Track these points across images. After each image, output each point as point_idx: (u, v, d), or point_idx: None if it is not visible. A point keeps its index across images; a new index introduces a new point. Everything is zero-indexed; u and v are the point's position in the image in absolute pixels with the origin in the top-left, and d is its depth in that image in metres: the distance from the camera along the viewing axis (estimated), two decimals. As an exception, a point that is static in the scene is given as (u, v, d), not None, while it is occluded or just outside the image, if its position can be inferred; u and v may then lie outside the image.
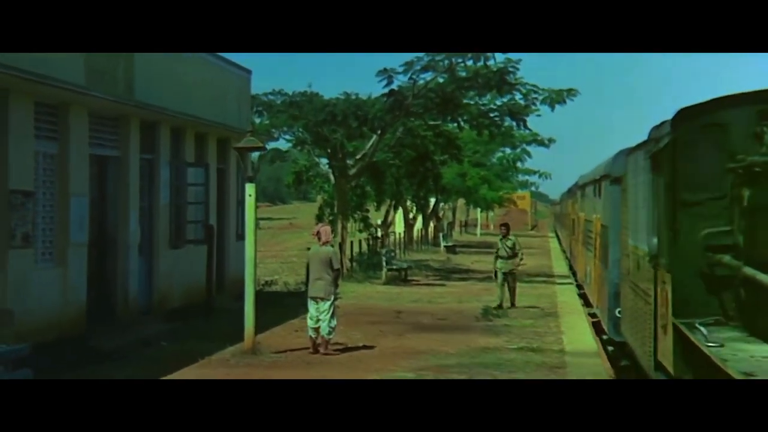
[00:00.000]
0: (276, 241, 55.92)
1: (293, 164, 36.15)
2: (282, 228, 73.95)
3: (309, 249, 17.13)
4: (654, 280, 9.82)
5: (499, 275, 22.63)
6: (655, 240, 9.87)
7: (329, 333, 15.85)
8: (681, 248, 8.73)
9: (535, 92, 28.07)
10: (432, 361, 15.18)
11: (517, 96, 28.30)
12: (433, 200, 48.60)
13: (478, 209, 60.22)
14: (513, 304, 22.46)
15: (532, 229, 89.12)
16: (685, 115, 8.83)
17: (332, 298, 15.88)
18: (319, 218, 34.83)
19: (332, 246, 16.76)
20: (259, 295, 23.43)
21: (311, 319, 15.89)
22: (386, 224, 39.84)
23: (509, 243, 22.55)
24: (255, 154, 21.46)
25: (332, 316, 15.85)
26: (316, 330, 15.86)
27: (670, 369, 8.85)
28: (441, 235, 49.16)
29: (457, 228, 67.77)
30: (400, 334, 18.24)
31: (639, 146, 11.47)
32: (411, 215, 47.12)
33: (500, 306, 21.95)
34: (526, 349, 16.37)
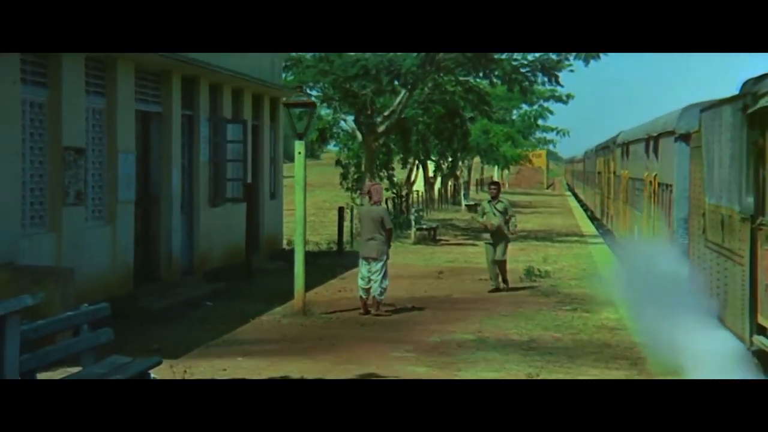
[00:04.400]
0: (289, 200, 55.37)
1: (317, 121, 35.52)
2: (292, 186, 73.27)
3: (361, 206, 16.71)
4: (751, 240, 9.42)
5: (488, 249, 18.09)
6: (751, 199, 9.47)
7: (381, 294, 15.52)
8: None
9: (570, 47, 27.46)
10: (488, 323, 14.83)
11: (550, 51, 27.69)
12: (451, 159, 48.08)
13: (496, 167, 59.65)
14: (506, 283, 18.09)
15: (548, 188, 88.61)
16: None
17: (384, 258, 15.52)
18: (344, 176, 34.41)
19: (383, 205, 16.36)
20: (292, 255, 23.22)
21: (362, 279, 15.55)
22: (410, 183, 39.38)
23: (500, 206, 17.90)
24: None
25: (384, 277, 15.51)
26: (367, 290, 15.52)
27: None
28: (462, 193, 48.70)
29: (472, 186, 67.33)
30: (447, 294, 17.91)
31: (723, 102, 11.01)
32: (431, 174, 46.65)
33: (497, 289, 17.90)
34: (581, 311, 16.04)
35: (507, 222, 17.94)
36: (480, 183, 73.30)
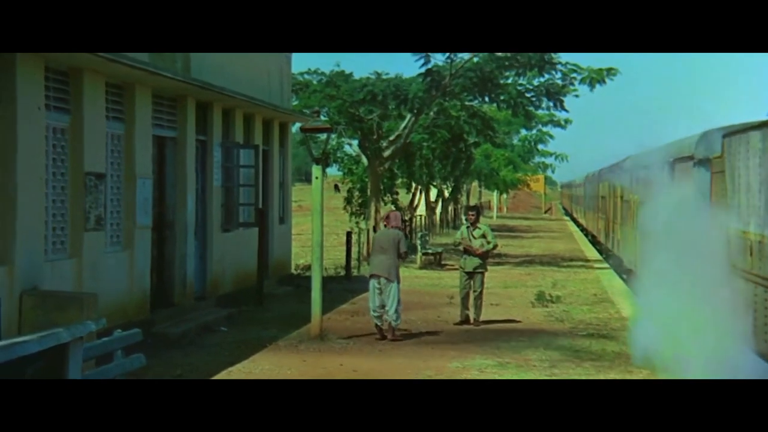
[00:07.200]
0: (294, 223, 55.13)
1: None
2: (296, 210, 73.33)
3: (375, 231, 16.68)
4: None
5: (462, 277, 17.20)
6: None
7: (396, 319, 15.42)
8: None
9: (576, 71, 27.55)
10: (506, 348, 14.76)
11: (556, 76, 27.80)
12: (454, 183, 48.12)
13: (495, 192, 59.66)
14: (476, 320, 16.98)
15: (546, 213, 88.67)
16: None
17: (396, 280, 15.41)
18: (348, 201, 34.41)
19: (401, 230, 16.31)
20: (301, 280, 23.19)
21: (374, 310, 15.38)
22: (413, 207, 39.38)
23: (477, 233, 17.03)
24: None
25: (399, 302, 15.41)
26: (380, 317, 15.43)
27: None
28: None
29: (471, 211, 67.44)
30: (460, 319, 17.79)
31: (751, 127, 11.01)
32: (433, 198, 46.66)
33: (466, 321, 17.04)
34: (597, 336, 15.99)
35: (486, 253, 17.12)
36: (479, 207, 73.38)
